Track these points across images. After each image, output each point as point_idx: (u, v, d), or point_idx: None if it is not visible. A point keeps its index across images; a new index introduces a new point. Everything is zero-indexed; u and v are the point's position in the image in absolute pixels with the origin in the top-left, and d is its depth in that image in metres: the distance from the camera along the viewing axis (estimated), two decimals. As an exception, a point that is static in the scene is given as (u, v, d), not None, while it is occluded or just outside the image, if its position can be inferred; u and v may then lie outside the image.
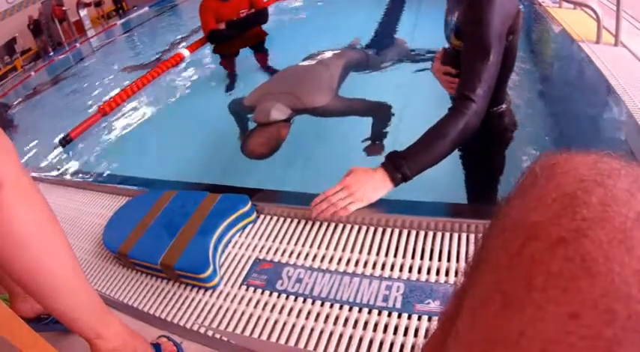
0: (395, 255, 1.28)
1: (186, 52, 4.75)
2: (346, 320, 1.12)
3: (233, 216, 1.48)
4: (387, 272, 1.22)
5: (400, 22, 4.59)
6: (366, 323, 1.10)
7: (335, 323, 1.12)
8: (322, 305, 1.18)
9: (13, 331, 0.78)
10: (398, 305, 1.12)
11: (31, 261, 0.76)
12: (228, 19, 3.83)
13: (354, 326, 1.10)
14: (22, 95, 7.24)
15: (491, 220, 0.32)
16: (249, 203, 1.54)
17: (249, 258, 1.40)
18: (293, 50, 3.74)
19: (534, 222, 0.26)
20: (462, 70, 1.30)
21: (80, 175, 2.41)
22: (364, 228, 1.40)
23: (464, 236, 1.29)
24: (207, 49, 4.61)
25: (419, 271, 1.21)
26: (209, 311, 1.25)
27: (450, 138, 1.31)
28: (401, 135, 2.49)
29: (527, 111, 2.53)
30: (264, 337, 1.13)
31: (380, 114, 2.69)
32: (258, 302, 1.24)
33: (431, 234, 1.32)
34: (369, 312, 1.12)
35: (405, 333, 1.05)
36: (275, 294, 1.25)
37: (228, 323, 1.20)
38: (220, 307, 1.26)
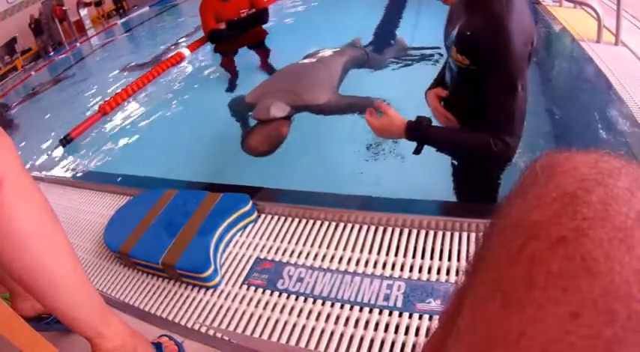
0: (396, 254, 1.28)
1: (186, 52, 4.75)
2: (347, 319, 1.12)
3: (234, 216, 1.48)
4: (387, 272, 1.22)
5: (400, 21, 4.58)
6: (367, 323, 1.10)
7: (336, 323, 1.12)
8: (323, 304, 1.18)
9: (14, 330, 0.79)
10: (399, 304, 1.12)
11: (31, 260, 0.76)
12: (228, 19, 3.83)
13: (355, 325, 1.10)
14: (22, 95, 7.24)
15: (492, 219, 0.32)
16: (250, 202, 1.54)
17: (250, 257, 1.40)
18: (293, 49, 3.74)
19: (535, 221, 0.26)
20: (490, 107, 1.20)
21: (81, 175, 2.42)
22: (365, 227, 1.40)
23: (464, 235, 1.29)
24: (208, 49, 4.60)
25: (420, 270, 1.21)
26: (210, 311, 1.25)
27: (471, 151, 1.34)
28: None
29: (527, 110, 2.52)
30: (265, 336, 1.13)
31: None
32: (259, 301, 1.24)
33: (432, 233, 1.32)
34: (370, 311, 1.12)
35: (406, 332, 1.05)
36: (276, 293, 1.25)
37: (229, 323, 1.20)
38: (221, 306, 1.26)
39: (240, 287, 1.30)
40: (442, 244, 1.28)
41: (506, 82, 1.15)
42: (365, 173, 2.39)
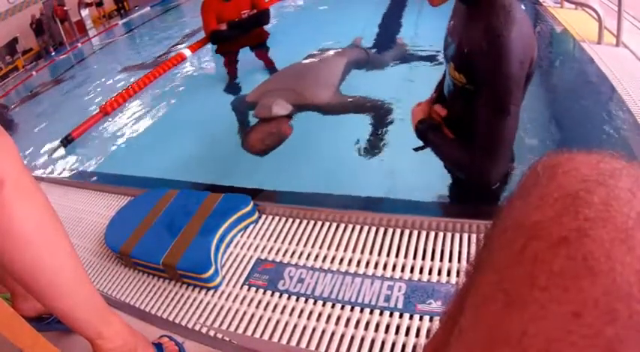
0: (397, 255, 1.28)
1: (187, 52, 4.76)
2: (348, 320, 1.12)
3: (235, 216, 1.49)
4: (388, 273, 1.22)
5: (402, 22, 4.59)
6: (367, 324, 1.10)
7: (337, 324, 1.12)
8: (324, 305, 1.18)
9: (15, 330, 0.79)
10: (399, 305, 1.12)
11: (32, 260, 0.76)
12: (229, 20, 3.83)
13: (356, 326, 1.10)
14: (23, 95, 7.25)
15: (494, 220, 0.32)
16: (251, 203, 1.54)
17: (251, 258, 1.40)
18: (294, 50, 3.74)
19: (536, 221, 0.26)
20: (477, 129, 1.13)
21: (82, 175, 2.42)
22: (366, 228, 1.40)
23: (465, 236, 1.29)
24: (209, 49, 4.61)
25: (420, 271, 1.21)
26: (211, 311, 1.25)
27: (453, 165, 1.34)
28: (401, 133, 2.49)
29: (528, 111, 2.52)
30: (265, 337, 1.13)
31: (380, 111, 2.70)
32: (259, 302, 1.24)
33: (432, 234, 1.32)
34: (371, 312, 1.12)
35: (407, 333, 1.05)
36: (277, 294, 1.25)
37: (230, 323, 1.20)
38: (222, 307, 1.26)
39: (241, 288, 1.30)
40: (443, 245, 1.28)
41: (497, 107, 1.08)
42: (365, 173, 2.39)
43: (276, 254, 1.39)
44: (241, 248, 1.45)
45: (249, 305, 1.24)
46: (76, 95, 5.67)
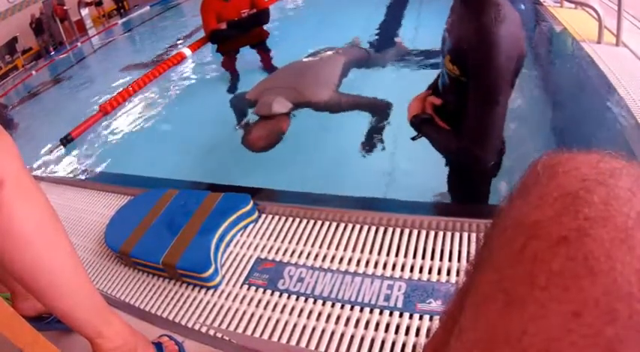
0: (396, 255, 1.28)
1: (187, 51, 4.75)
2: (348, 319, 1.12)
3: (235, 215, 1.49)
4: (388, 272, 1.22)
5: (401, 22, 4.59)
6: (367, 323, 1.10)
7: (337, 323, 1.12)
8: (324, 304, 1.18)
9: (15, 330, 0.79)
10: (399, 304, 1.12)
11: (32, 260, 0.76)
12: (229, 19, 3.83)
13: (356, 325, 1.10)
14: (23, 94, 7.25)
15: (493, 219, 0.32)
16: (251, 202, 1.54)
17: (251, 257, 1.40)
18: (294, 49, 3.75)
19: (536, 220, 0.26)
20: (468, 118, 1.23)
21: (81, 174, 2.42)
22: (366, 227, 1.40)
23: (465, 235, 1.29)
24: (209, 49, 4.61)
25: (420, 270, 1.21)
26: (211, 311, 1.25)
27: (447, 153, 1.47)
28: (399, 131, 2.50)
29: (528, 111, 2.53)
30: (265, 336, 1.13)
31: (379, 110, 2.70)
32: (259, 301, 1.24)
33: (432, 233, 1.32)
34: (371, 312, 1.12)
35: (407, 332, 1.05)
36: (277, 293, 1.25)
37: (230, 323, 1.20)
38: (222, 306, 1.26)
39: (241, 287, 1.30)
40: (443, 244, 1.28)
41: (485, 97, 1.17)
42: (365, 172, 2.39)
43: (276, 253, 1.39)
44: (241, 247, 1.45)
45: (249, 304, 1.24)
46: (75, 94, 5.67)
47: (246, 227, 1.52)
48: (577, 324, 0.21)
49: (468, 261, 1.21)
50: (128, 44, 8.65)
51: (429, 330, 1.04)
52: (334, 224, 1.44)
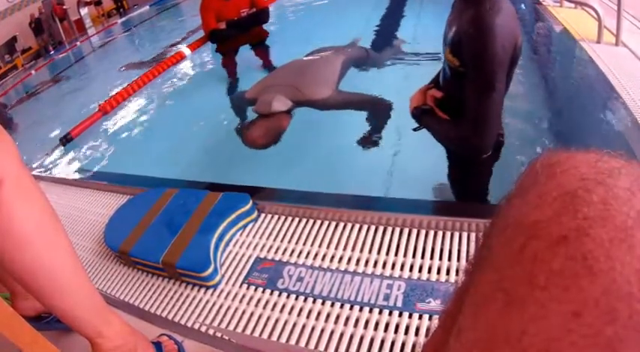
0: (396, 254, 1.28)
1: (187, 51, 4.75)
2: (347, 318, 1.12)
3: (234, 215, 1.49)
4: (387, 271, 1.22)
5: (401, 21, 4.59)
6: (367, 322, 1.10)
7: (336, 322, 1.12)
8: (323, 303, 1.18)
9: (14, 330, 0.79)
10: (399, 303, 1.12)
11: (31, 259, 0.76)
12: (228, 19, 3.82)
13: (355, 324, 1.10)
14: (22, 94, 7.24)
15: (493, 219, 0.32)
16: (250, 201, 1.54)
17: (250, 256, 1.40)
18: (294, 49, 3.74)
19: (535, 220, 0.26)
20: (466, 106, 1.26)
21: (81, 174, 2.42)
22: (365, 226, 1.40)
23: (465, 235, 1.29)
24: (209, 48, 4.60)
25: (420, 270, 1.21)
26: (210, 310, 1.25)
27: (448, 142, 1.48)
28: (398, 130, 2.50)
29: (527, 109, 2.53)
30: (265, 335, 1.13)
31: (379, 108, 2.71)
32: (259, 300, 1.24)
33: (432, 232, 1.32)
34: (370, 311, 1.12)
35: (406, 332, 1.05)
36: (276, 293, 1.25)
37: (229, 322, 1.20)
38: (221, 306, 1.26)
39: (240, 287, 1.30)
40: (442, 244, 1.28)
41: (482, 85, 1.20)
42: (365, 171, 2.39)
43: (276, 252, 1.39)
44: (240, 246, 1.45)
45: (248, 303, 1.24)
46: (75, 94, 5.66)
47: (245, 226, 1.52)
48: (577, 324, 0.21)
49: (467, 260, 1.21)
50: (127, 43, 8.64)
51: (428, 330, 1.04)
52: (333, 223, 1.44)
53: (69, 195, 2.14)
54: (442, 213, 1.37)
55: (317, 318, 1.14)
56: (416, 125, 1.55)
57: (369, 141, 2.63)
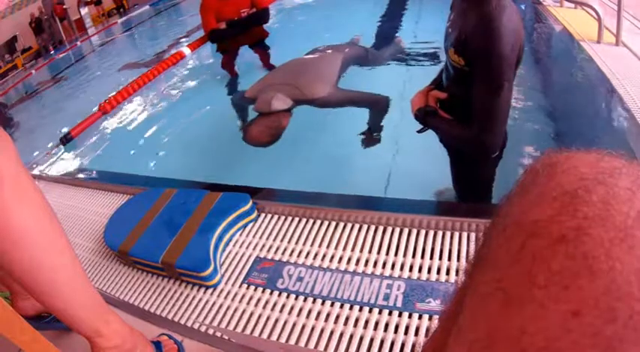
0: (396, 254, 1.28)
1: (187, 51, 4.74)
2: (347, 318, 1.12)
3: (234, 215, 1.48)
4: (387, 271, 1.22)
5: (401, 20, 4.60)
6: (366, 322, 1.10)
7: (336, 322, 1.12)
8: (323, 303, 1.18)
9: (14, 329, 0.78)
10: (399, 303, 1.12)
11: (30, 259, 0.76)
12: (228, 19, 3.82)
13: (355, 324, 1.10)
14: (22, 93, 7.24)
15: (492, 218, 0.32)
16: (250, 201, 1.54)
17: (250, 256, 1.40)
18: (294, 49, 3.74)
19: (535, 219, 0.26)
20: (475, 106, 1.26)
21: (81, 173, 2.42)
22: (365, 226, 1.40)
23: (464, 235, 1.29)
24: (209, 48, 4.60)
25: (419, 270, 1.21)
26: (210, 310, 1.25)
27: (457, 143, 1.47)
28: (398, 128, 2.51)
29: (528, 110, 2.53)
30: (264, 335, 1.13)
31: (378, 106, 2.71)
32: (258, 300, 1.24)
33: (432, 232, 1.32)
34: (370, 311, 1.12)
35: (406, 332, 1.05)
36: (276, 293, 1.25)
37: (229, 322, 1.20)
38: (221, 305, 1.26)
39: (240, 287, 1.30)
40: (442, 244, 1.28)
41: (491, 83, 1.20)
42: (365, 171, 2.39)
43: (275, 252, 1.39)
44: (240, 246, 1.45)
45: (248, 303, 1.24)
46: (75, 93, 5.66)
47: (245, 226, 1.52)
48: (576, 324, 0.21)
49: (467, 260, 1.21)
50: (128, 43, 8.64)
51: (428, 330, 1.04)
52: (333, 223, 1.44)
53: (69, 194, 2.14)
54: (442, 213, 1.37)
55: (317, 318, 1.14)
56: (419, 127, 1.53)
57: (369, 139, 2.64)
